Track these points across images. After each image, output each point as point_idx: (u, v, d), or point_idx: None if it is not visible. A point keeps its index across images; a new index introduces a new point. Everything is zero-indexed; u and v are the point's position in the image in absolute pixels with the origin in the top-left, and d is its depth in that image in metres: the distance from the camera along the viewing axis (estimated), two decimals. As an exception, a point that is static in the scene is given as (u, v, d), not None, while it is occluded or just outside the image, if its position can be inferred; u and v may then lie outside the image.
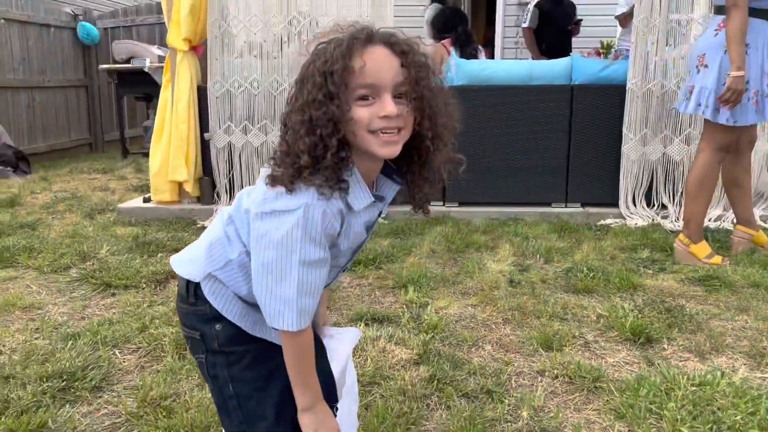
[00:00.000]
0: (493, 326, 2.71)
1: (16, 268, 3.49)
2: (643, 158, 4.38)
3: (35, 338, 2.60)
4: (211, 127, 4.57)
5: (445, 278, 3.26)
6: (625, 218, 4.34)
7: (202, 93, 4.61)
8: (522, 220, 4.37)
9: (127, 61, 7.70)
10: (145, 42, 8.74)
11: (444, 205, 4.59)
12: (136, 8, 9.56)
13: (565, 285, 3.19)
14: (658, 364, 2.35)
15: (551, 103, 4.45)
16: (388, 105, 1.16)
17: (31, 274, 3.41)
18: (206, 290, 1.28)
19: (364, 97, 1.16)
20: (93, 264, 3.51)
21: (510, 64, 4.61)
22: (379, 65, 1.17)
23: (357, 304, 2.95)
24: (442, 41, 5.21)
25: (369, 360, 2.36)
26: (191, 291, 1.30)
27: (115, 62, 7.74)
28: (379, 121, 1.17)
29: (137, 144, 8.68)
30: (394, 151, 1.20)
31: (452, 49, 5.12)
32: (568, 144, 4.49)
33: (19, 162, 6.77)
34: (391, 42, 1.20)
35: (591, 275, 3.26)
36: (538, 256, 3.64)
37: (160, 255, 3.61)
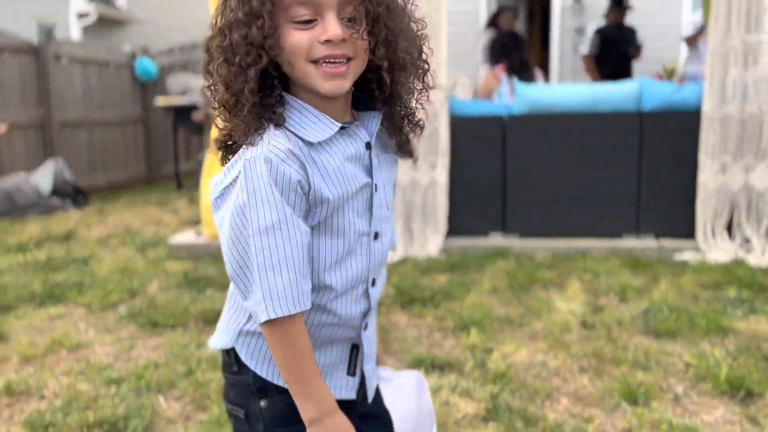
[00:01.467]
0: (568, 375, 2.45)
1: (66, 305, 3.41)
2: (722, 187, 4.05)
3: (79, 381, 2.48)
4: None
5: (510, 319, 3.01)
6: (703, 252, 4.00)
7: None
8: (590, 254, 4.08)
9: (182, 94, 7.78)
10: (200, 75, 8.85)
11: (504, 235, 4.34)
12: (192, 44, 9.74)
13: (644, 328, 2.90)
14: (765, 424, 2.04)
15: (619, 130, 4.18)
16: (332, 27, 0.95)
17: (80, 311, 3.32)
18: (242, 353, 1.09)
19: (302, 20, 0.95)
20: (141, 301, 3.40)
21: (573, 89, 4.38)
22: None
23: (415, 347, 2.73)
24: (495, 68, 5.03)
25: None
26: (232, 358, 1.11)
27: (171, 95, 7.84)
28: (321, 48, 0.95)
29: (192, 177, 8.74)
30: (341, 85, 0.98)
31: (503, 77, 4.92)
32: (638, 172, 4.20)
33: (78, 195, 6.86)
34: None
35: (673, 317, 2.96)
36: (611, 294, 3.35)
37: (209, 291, 3.48)
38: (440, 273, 3.76)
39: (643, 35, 7.32)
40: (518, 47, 5.02)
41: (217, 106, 1.03)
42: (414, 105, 1.11)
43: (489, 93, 4.92)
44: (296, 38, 0.96)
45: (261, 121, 0.98)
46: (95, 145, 8.08)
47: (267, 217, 0.94)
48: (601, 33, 6.85)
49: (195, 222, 5.55)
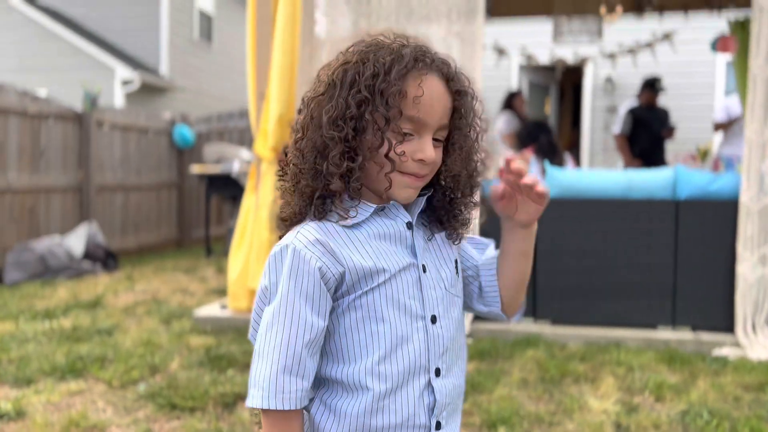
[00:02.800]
0: (602, 487, 2.30)
1: (87, 380, 3.37)
2: (762, 279, 3.91)
3: (91, 469, 2.41)
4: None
5: (540, 418, 2.87)
6: (744, 348, 3.82)
7: (284, 200, 4.56)
8: (624, 345, 3.93)
9: (217, 162, 7.94)
10: (235, 144, 9.06)
11: (535, 321, 4.22)
12: (229, 113, 10.00)
13: (683, 433, 2.74)
14: None
15: (654, 218, 4.10)
16: (429, 149, 1.02)
17: (99, 387, 3.27)
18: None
19: (403, 132, 1.01)
20: (162, 378, 3.35)
21: (606, 175, 4.33)
22: (433, 101, 1.01)
23: (440, 445, 2.60)
24: (523, 150, 5.04)
25: None
26: None
27: (206, 163, 8.00)
28: (412, 165, 1.02)
29: (222, 243, 8.82)
30: (414, 194, 1.06)
31: (532, 159, 4.91)
32: (674, 261, 4.09)
33: (108, 258, 6.94)
34: (448, 75, 1.04)
35: (714, 422, 2.79)
36: (647, 392, 3.19)
37: (230, 372, 3.41)
38: (468, 360, 3.63)
39: (676, 115, 7.32)
40: (545, 132, 5.03)
41: (286, 183, 1.07)
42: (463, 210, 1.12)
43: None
44: (396, 149, 1.00)
45: (309, 210, 1.04)
46: (130, 208, 8.23)
47: (274, 305, 0.99)
48: (633, 113, 6.86)
49: (221, 292, 5.54)
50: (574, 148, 9.77)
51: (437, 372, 1.05)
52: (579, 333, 4.08)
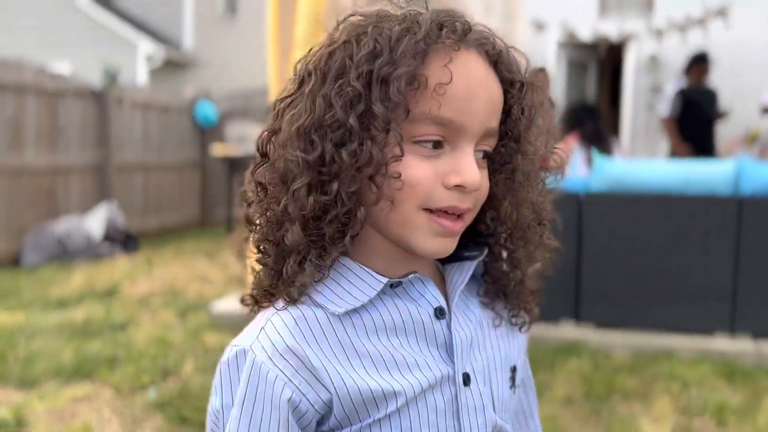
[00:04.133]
0: None
1: (94, 383, 3.14)
2: (834, 286, 3.52)
3: (89, 498, 2.17)
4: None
5: (590, 445, 2.57)
6: (812, 361, 3.45)
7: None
8: (676, 355, 3.58)
9: (239, 142, 7.68)
10: (259, 122, 8.78)
11: (577, 325, 3.89)
12: (253, 90, 9.71)
13: (754, 470, 2.41)
14: None
15: (713, 215, 3.71)
16: (470, 168, 0.64)
17: (106, 392, 3.04)
18: None
19: (430, 141, 0.63)
20: (174, 383, 3.11)
21: (660, 166, 3.95)
22: (471, 90, 0.63)
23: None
24: (567, 137, 4.65)
25: None
26: None
27: (228, 142, 7.75)
28: (446, 195, 0.64)
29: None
30: (450, 245, 0.67)
31: (576, 146, 4.53)
32: (734, 263, 3.70)
33: (128, 240, 6.75)
34: (495, 54, 0.65)
35: (789, 457, 2.46)
36: (706, 415, 2.86)
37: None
38: (504, 370, 3.33)
39: (725, 96, 6.84)
40: (592, 117, 4.63)
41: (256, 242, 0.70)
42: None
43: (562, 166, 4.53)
44: (416, 171, 0.63)
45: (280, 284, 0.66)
46: (151, 188, 8.02)
47: None
48: (683, 94, 6.40)
49: (242, 280, 5.29)
50: (613, 129, 9.30)
51: None
52: (626, 339, 3.73)
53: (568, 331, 3.83)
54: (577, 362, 3.43)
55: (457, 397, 0.68)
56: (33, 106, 6.30)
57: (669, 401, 2.98)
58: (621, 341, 3.72)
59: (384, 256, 0.68)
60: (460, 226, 0.66)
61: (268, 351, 0.63)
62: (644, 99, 8.37)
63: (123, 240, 6.73)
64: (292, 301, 0.65)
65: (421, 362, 0.67)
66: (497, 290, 0.76)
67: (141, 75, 11.29)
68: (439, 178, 0.64)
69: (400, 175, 0.62)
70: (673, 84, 6.67)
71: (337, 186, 0.62)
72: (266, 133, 0.68)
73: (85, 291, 4.91)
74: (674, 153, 6.36)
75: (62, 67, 9.89)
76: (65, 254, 6.14)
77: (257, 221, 0.69)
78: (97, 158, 7.16)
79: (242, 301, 0.72)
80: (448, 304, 0.70)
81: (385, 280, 0.66)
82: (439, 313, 0.69)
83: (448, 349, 0.69)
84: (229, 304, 4.36)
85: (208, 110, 8.73)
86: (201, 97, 8.96)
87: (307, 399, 0.63)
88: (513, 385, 0.77)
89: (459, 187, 0.64)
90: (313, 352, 0.63)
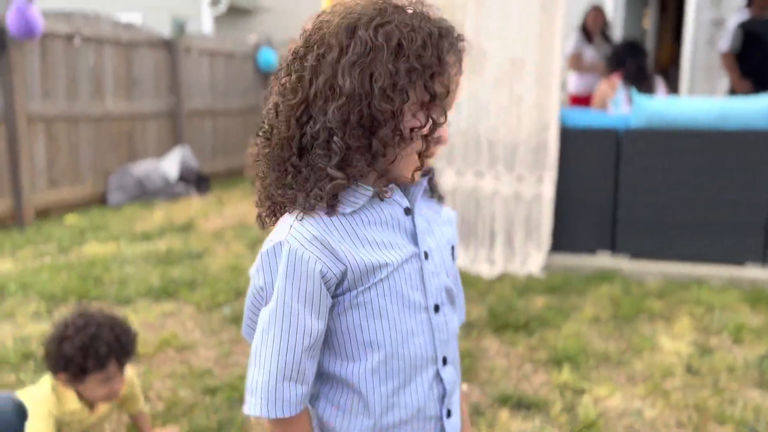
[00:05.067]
0: (665, 430, 2.30)
1: (178, 302, 3.65)
2: None
3: (181, 387, 2.65)
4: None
5: (609, 356, 2.87)
6: (841, 289, 3.60)
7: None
8: (706, 283, 3.80)
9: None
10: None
11: (613, 255, 4.13)
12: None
13: (758, 379, 2.66)
14: None
15: (750, 150, 3.83)
16: (446, 130, 0.97)
17: (189, 309, 3.54)
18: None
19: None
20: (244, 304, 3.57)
21: (699, 103, 4.05)
22: (461, 80, 0.97)
23: (503, 380, 2.67)
24: (611, 76, 4.75)
25: (510, 462, 2.08)
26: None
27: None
28: (433, 148, 0.96)
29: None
30: (418, 176, 0.99)
31: (620, 85, 4.62)
32: (768, 197, 3.84)
33: (200, 181, 7.30)
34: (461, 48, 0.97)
35: (794, 369, 2.69)
36: (724, 334, 3.10)
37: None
38: (539, 294, 3.64)
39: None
40: (636, 55, 4.69)
41: (263, 157, 1.01)
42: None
43: (604, 102, 4.66)
44: (440, 131, 0.95)
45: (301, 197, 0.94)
46: (219, 133, 8.52)
47: (271, 308, 0.93)
48: (744, 27, 6.25)
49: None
50: (674, 65, 9.11)
51: (444, 361, 1.03)
52: (659, 269, 3.96)
53: (603, 260, 4.08)
54: (609, 288, 3.70)
55: (421, 267, 1.00)
56: (111, 57, 6.80)
57: (690, 322, 3.23)
58: (654, 270, 3.95)
59: (374, 180, 0.98)
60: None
61: (300, 240, 0.91)
62: (706, 34, 8.17)
63: (196, 180, 7.28)
64: (310, 208, 0.93)
65: (399, 244, 0.98)
66: (432, 191, 1.09)
67: (206, 22, 11.71)
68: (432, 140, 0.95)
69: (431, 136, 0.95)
70: (735, 18, 6.51)
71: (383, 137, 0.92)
72: (312, 76, 0.93)
73: (165, 226, 5.46)
74: (734, 90, 6.27)
75: (134, 17, 10.40)
76: (145, 194, 6.73)
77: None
78: (170, 105, 7.67)
79: (260, 218, 1.02)
80: (411, 206, 1.02)
81: (371, 190, 0.96)
82: (407, 211, 1.01)
83: (413, 236, 1.01)
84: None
85: (270, 56, 9.08)
86: (263, 43, 9.30)
87: (331, 270, 0.92)
88: (453, 258, 1.11)
89: (438, 143, 0.96)
90: (333, 238, 0.93)
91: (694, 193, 3.95)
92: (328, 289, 0.94)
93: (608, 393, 2.54)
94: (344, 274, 0.93)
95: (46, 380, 1.98)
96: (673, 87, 8.03)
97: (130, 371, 2.15)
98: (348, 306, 0.95)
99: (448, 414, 1.04)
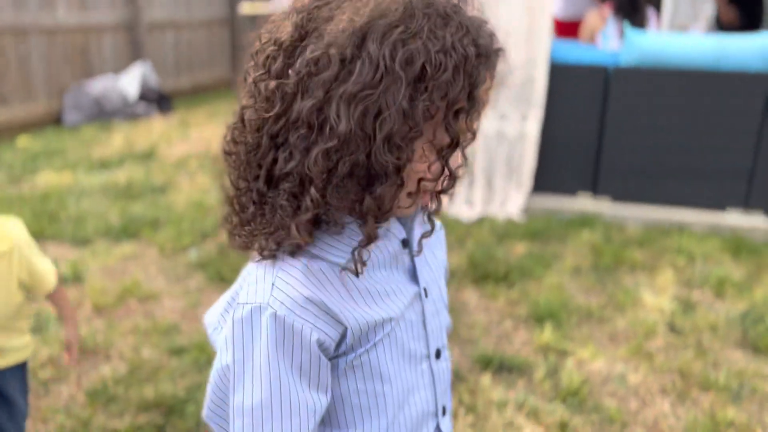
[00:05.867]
0: (647, 398, 2.25)
1: (140, 243, 3.44)
2: None
3: (144, 346, 2.49)
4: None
5: (590, 312, 2.79)
6: (820, 239, 3.57)
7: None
8: (688, 229, 3.73)
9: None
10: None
11: (594, 197, 4.02)
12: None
13: (740, 339, 2.62)
14: None
15: (741, 93, 3.67)
16: (459, 156, 0.76)
17: (152, 252, 3.34)
18: None
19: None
20: (211, 245, 3.39)
21: (694, 40, 3.84)
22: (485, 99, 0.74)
23: (483, 338, 2.58)
24: (601, 6, 4.46)
25: (493, 436, 2.01)
26: None
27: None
28: (443, 180, 0.74)
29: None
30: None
31: (610, 17, 4.35)
32: (756, 142, 3.72)
33: (162, 100, 6.90)
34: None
35: (776, 329, 2.66)
36: (706, 288, 3.05)
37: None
38: (519, 240, 3.53)
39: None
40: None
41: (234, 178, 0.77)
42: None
43: (592, 35, 4.41)
44: (437, 168, 0.71)
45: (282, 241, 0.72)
46: (182, 47, 8.02)
47: (256, 393, 0.72)
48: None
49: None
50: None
51: (443, 411, 0.90)
52: (640, 213, 3.87)
53: (584, 203, 3.96)
54: (590, 235, 3.60)
55: (423, 309, 0.84)
56: (59, -38, 6.20)
57: (672, 274, 3.17)
58: (635, 214, 3.85)
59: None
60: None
61: (288, 304, 0.71)
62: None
63: (157, 99, 6.87)
64: (292, 253, 0.74)
65: (399, 288, 0.81)
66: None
67: None
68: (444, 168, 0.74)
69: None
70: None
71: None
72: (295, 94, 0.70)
73: (125, 152, 5.15)
74: (720, 17, 6.05)
75: None
76: (103, 114, 6.34)
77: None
78: (128, 15, 7.12)
79: (231, 237, 0.79)
80: (409, 236, 0.83)
81: (358, 237, 0.75)
82: (404, 243, 0.82)
83: (412, 273, 0.84)
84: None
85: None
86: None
87: (329, 336, 0.73)
88: (446, 282, 0.95)
89: (452, 174, 0.75)
90: (328, 297, 0.73)
91: (680, 136, 3.81)
92: (327, 357, 0.76)
93: (591, 356, 2.47)
94: (343, 337, 0.76)
95: None
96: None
97: (12, 224, 1.51)
98: (344, 370, 0.78)
99: None
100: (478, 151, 3.98)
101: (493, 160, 4.01)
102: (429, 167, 0.71)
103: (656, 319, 2.74)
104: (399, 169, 0.68)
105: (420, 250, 0.83)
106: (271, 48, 0.73)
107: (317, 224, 0.74)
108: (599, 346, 2.55)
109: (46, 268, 1.58)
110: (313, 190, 0.68)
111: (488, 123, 3.91)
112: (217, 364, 0.78)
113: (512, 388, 2.26)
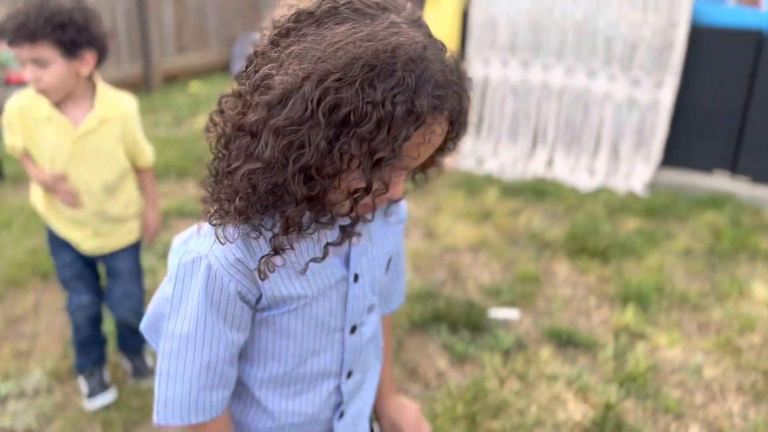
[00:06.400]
0: (718, 395, 2.13)
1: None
2: None
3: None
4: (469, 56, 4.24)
5: (686, 298, 2.64)
6: None
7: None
8: (838, 220, 3.31)
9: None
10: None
11: (732, 177, 3.69)
12: None
13: None
14: None
15: None
16: (400, 189, 0.82)
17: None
18: None
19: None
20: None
21: None
22: (429, 149, 0.78)
23: (561, 311, 2.57)
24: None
25: (535, 405, 2.04)
26: None
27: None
28: (379, 201, 0.82)
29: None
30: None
31: None
32: None
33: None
34: (458, 113, 0.78)
35: None
36: (836, 287, 2.74)
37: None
38: (633, 217, 3.37)
39: None
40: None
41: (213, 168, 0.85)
42: None
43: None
44: (398, 190, 0.82)
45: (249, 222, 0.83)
46: None
47: (185, 325, 0.86)
48: None
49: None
50: None
51: (349, 374, 1.00)
52: (785, 197, 3.50)
53: (720, 182, 3.66)
54: (715, 216, 3.33)
55: (347, 291, 0.93)
56: None
57: (799, 268, 2.87)
58: (777, 198, 3.49)
59: None
60: None
61: (221, 260, 0.82)
62: None
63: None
64: (218, 224, 0.82)
65: (326, 271, 0.90)
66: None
67: None
68: (379, 200, 0.82)
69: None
70: None
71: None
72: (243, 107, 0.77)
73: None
74: None
75: None
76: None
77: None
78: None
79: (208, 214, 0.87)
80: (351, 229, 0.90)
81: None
82: (345, 231, 0.88)
83: (346, 258, 0.92)
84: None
85: None
86: None
87: (250, 291, 0.86)
88: (387, 270, 1.02)
89: (390, 201, 0.88)
90: (254, 264, 0.83)
91: None
92: (248, 305, 0.89)
93: (669, 343, 2.37)
94: (259, 299, 0.88)
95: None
96: None
97: (126, 99, 1.83)
98: (259, 322, 0.91)
99: (341, 415, 1.03)
100: (606, 117, 3.81)
101: (621, 128, 3.81)
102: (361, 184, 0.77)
103: (759, 315, 2.53)
104: (310, 199, 0.77)
105: (357, 242, 0.92)
106: (252, 53, 0.81)
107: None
108: (683, 334, 2.43)
109: (147, 147, 1.92)
110: (238, 201, 0.78)
111: (619, 89, 3.71)
112: (160, 291, 0.94)
113: (572, 363, 2.25)
